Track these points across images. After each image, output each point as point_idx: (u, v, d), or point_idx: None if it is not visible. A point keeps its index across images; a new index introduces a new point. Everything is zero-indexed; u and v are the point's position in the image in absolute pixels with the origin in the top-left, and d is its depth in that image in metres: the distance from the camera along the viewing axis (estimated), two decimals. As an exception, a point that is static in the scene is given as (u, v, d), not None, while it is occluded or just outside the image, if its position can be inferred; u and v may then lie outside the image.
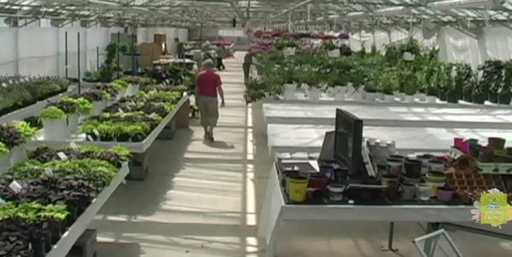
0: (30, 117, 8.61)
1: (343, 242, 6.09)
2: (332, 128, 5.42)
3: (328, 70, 13.01)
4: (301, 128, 8.17)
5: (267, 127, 8.28)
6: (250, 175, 8.72)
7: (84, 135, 7.20)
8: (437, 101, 10.60)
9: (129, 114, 8.27)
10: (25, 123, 6.47)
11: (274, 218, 4.63)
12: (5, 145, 5.67)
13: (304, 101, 10.54)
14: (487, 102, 10.25)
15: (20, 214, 4.00)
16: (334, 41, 17.28)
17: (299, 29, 29.54)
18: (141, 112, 8.49)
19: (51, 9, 15.87)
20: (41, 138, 7.03)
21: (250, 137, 11.57)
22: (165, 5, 21.95)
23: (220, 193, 7.70)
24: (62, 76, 12.36)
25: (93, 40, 18.94)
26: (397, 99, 10.63)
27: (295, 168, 5.04)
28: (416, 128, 8.33)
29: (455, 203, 4.60)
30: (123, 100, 9.87)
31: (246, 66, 21.11)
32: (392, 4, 14.20)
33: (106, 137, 7.14)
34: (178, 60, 19.54)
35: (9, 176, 4.92)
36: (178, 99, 10.67)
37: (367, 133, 5.27)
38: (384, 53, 16.00)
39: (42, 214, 4.02)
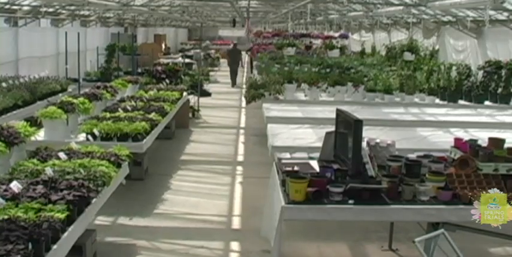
0: (30, 117, 8.61)
1: (343, 242, 6.09)
2: (332, 128, 5.41)
3: (328, 70, 13.02)
4: (301, 128, 8.16)
5: (266, 127, 8.27)
6: (249, 178, 8.70)
7: (84, 135, 7.20)
8: (437, 101, 10.61)
9: (129, 114, 8.27)
10: (25, 123, 6.48)
11: (276, 218, 4.63)
12: (5, 145, 5.68)
13: (304, 101, 10.55)
14: (487, 102, 10.26)
15: (20, 214, 4.01)
16: (334, 41, 17.27)
17: (299, 29, 29.55)
18: (141, 112, 8.49)
19: (51, 9, 15.88)
20: (41, 138, 7.03)
21: (249, 138, 11.55)
22: (165, 5, 21.95)
23: (217, 196, 7.65)
24: (62, 76, 12.35)
25: (93, 40, 18.95)
26: (397, 99, 10.63)
27: (295, 168, 5.03)
28: (417, 128, 8.33)
29: (455, 203, 4.59)
30: (123, 100, 9.87)
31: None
32: (392, 4, 14.21)
33: (106, 137, 7.14)
34: (178, 60, 19.54)
35: (9, 176, 4.92)
36: (178, 99, 10.67)
37: (367, 133, 5.27)
38: (383, 53, 16.01)
39: (42, 214, 4.03)
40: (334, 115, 5.37)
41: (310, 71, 12.79)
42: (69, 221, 4.18)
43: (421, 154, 5.55)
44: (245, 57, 25.59)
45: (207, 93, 15.39)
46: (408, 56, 13.22)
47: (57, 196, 4.36)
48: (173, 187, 7.95)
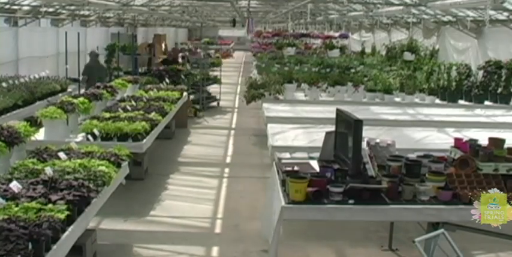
0: (30, 117, 8.61)
1: (343, 242, 6.09)
2: (332, 128, 5.42)
3: (328, 70, 13.02)
4: (301, 128, 8.17)
5: (267, 127, 8.28)
6: (248, 179, 8.71)
7: (84, 135, 7.20)
8: (437, 101, 10.61)
9: (129, 114, 8.27)
10: (25, 123, 6.48)
11: (275, 218, 4.62)
12: (5, 145, 5.68)
13: (304, 101, 10.55)
14: (487, 102, 10.26)
15: (20, 214, 4.01)
16: (334, 41, 17.27)
17: (299, 29, 29.55)
18: (141, 112, 8.49)
19: (51, 9, 15.89)
20: (41, 138, 7.04)
21: (250, 138, 11.55)
22: (165, 4, 21.96)
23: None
24: (62, 76, 12.36)
25: (93, 40, 18.95)
26: (397, 99, 10.63)
27: (295, 168, 5.03)
28: (417, 128, 8.33)
29: (455, 203, 4.59)
30: (123, 100, 9.87)
31: None
32: (392, 4, 14.21)
33: (106, 137, 7.13)
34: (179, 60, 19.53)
35: (9, 176, 4.92)
36: (178, 99, 10.67)
37: (367, 133, 5.27)
38: (383, 53, 16.01)
39: (42, 214, 4.02)
40: (334, 115, 5.37)
41: (310, 71, 12.79)
42: (69, 221, 4.18)
43: (421, 153, 5.55)
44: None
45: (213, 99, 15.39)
46: (408, 56, 13.22)
47: (57, 196, 4.36)
48: (172, 188, 7.95)
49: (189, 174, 8.70)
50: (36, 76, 11.53)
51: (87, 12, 18.79)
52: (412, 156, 5.44)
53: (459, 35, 13.73)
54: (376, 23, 18.73)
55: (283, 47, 16.68)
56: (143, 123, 7.57)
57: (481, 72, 10.71)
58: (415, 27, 16.15)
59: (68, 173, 4.99)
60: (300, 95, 10.95)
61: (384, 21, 18.63)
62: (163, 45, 27.75)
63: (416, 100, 10.63)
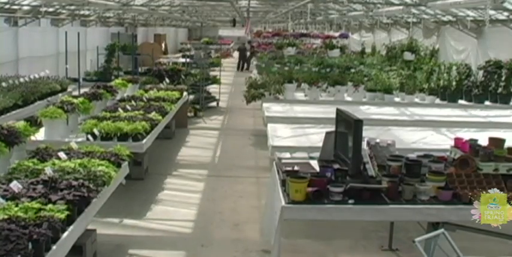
0: (30, 117, 8.62)
1: (343, 242, 6.09)
2: (332, 128, 5.42)
3: (328, 70, 13.02)
4: (301, 127, 8.17)
5: (267, 127, 8.27)
6: (248, 179, 8.72)
7: (84, 135, 7.20)
8: (437, 101, 10.61)
9: (129, 114, 8.27)
10: (25, 123, 6.48)
11: (276, 218, 4.62)
12: (5, 145, 5.68)
13: (304, 101, 10.54)
14: (487, 102, 10.26)
15: (20, 214, 4.01)
16: (334, 41, 17.27)
17: (299, 29, 29.56)
18: (141, 112, 8.49)
19: (51, 9, 15.90)
20: (41, 138, 7.03)
21: (249, 138, 11.55)
22: (165, 4, 21.96)
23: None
24: (62, 76, 12.36)
25: (93, 40, 18.96)
26: (397, 99, 10.63)
27: (295, 168, 5.03)
28: (417, 128, 8.33)
29: (455, 203, 4.59)
30: (123, 100, 9.87)
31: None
32: (393, 4, 14.21)
33: (106, 137, 7.13)
34: (180, 60, 19.54)
35: (9, 176, 4.92)
36: (178, 99, 10.67)
37: (367, 132, 5.27)
38: (384, 53, 16.01)
39: (42, 213, 4.02)
40: (334, 115, 5.37)
41: (310, 71, 12.79)
42: (69, 221, 4.18)
43: (421, 153, 5.55)
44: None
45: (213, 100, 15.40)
46: (408, 55, 13.23)
47: (57, 196, 4.36)
48: (172, 187, 7.95)
49: (189, 174, 8.69)
50: (36, 76, 11.53)
51: (87, 12, 18.79)
52: (412, 156, 5.43)
53: (459, 35, 13.74)
54: (376, 23, 18.74)
55: (283, 47, 16.68)
56: (143, 123, 7.57)
57: (481, 72, 10.71)
58: (415, 27, 16.16)
59: (68, 173, 4.99)
60: (300, 95, 10.95)
61: (384, 21, 18.64)
62: (163, 45, 27.78)
63: (416, 100, 10.63)
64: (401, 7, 13.31)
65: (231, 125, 12.86)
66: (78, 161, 5.42)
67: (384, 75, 11.61)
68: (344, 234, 6.16)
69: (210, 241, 5.96)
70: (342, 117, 5.19)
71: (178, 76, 13.58)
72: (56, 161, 5.41)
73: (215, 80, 15.65)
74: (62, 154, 5.63)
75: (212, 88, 15.83)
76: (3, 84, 9.97)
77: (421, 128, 8.25)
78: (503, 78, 10.19)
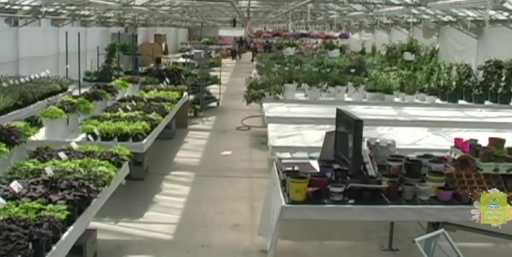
0: (31, 117, 8.62)
1: (343, 242, 6.09)
2: (332, 128, 5.42)
3: (328, 70, 13.03)
4: (302, 128, 8.17)
5: (267, 127, 8.27)
6: (248, 179, 8.72)
7: (84, 135, 7.20)
8: (438, 101, 10.61)
9: (130, 114, 8.27)
10: (25, 123, 6.48)
11: (274, 218, 4.63)
12: (5, 145, 5.68)
13: (304, 101, 10.55)
14: (487, 102, 10.26)
15: (21, 214, 4.01)
16: (334, 41, 17.27)
17: (299, 29, 29.55)
18: (141, 112, 8.49)
19: (51, 9, 15.91)
20: (41, 138, 7.04)
21: (249, 138, 11.56)
22: (165, 5, 21.97)
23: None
24: (62, 76, 12.37)
25: (94, 40, 18.97)
26: (397, 99, 10.63)
27: (296, 168, 5.04)
28: (416, 127, 8.33)
29: (456, 203, 4.60)
30: (123, 100, 9.87)
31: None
32: (393, 4, 14.22)
33: (106, 137, 7.13)
34: (180, 60, 19.56)
35: (10, 176, 4.92)
36: (178, 99, 10.67)
37: (367, 132, 5.28)
38: (384, 53, 16.01)
39: (42, 213, 4.03)
40: (334, 115, 5.38)
41: (310, 71, 12.79)
42: (69, 221, 4.18)
43: (421, 153, 5.56)
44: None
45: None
46: (408, 56, 13.23)
47: (58, 196, 4.36)
48: (172, 187, 7.95)
49: (189, 174, 8.68)
50: (37, 76, 11.54)
51: (87, 12, 18.80)
52: (412, 156, 5.44)
53: (459, 35, 13.74)
54: (377, 23, 18.75)
55: (284, 47, 16.68)
56: (143, 123, 7.57)
57: (481, 72, 10.71)
58: (415, 27, 16.16)
59: (68, 173, 5.00)
60: (300, 95, 10.95)
61: (384, 21, 18.65)
62: (163, 45, 27.77)
63: (416, 100, 10.63)
64: (401, 7, 13.32)
65: (231, 125, 12.84)
66: (79, 161, 5.43)
67: (384, 75, 11.61)
68: (344, 234, 6.16)
69: (210, 241, 5.96)
70: (342, 118, 5.19)
71: (178, 76, 13.58)
72: (56, 161, 5.41)
73: (215, 80, 15.66)
74: (62, 154, 5.64)
75: (212, 88, 15.83)
76: (4, 84, 9.98)
77: (421, 128, 8.25)
78: (503, 79, 10.19)
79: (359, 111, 9.05)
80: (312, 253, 5.80)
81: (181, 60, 19.92)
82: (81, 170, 5.10)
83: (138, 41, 21.96)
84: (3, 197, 4.30)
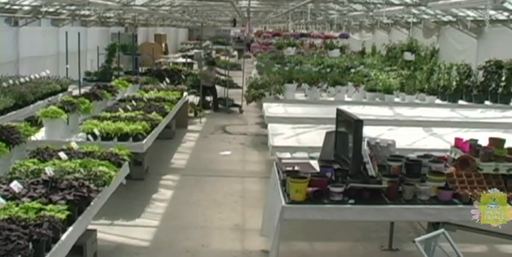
0: (31, 117, 8.62)
1: (343, 242, 6.09)
2: (332, 128, 5.42)
3: (328, 70, 13.01)
4: (301, 127, 8.17)
5: (267, 127, 8.27)
6: (249, 179, 8.72)
7: (84, 135, 7.20)
8: (438, 101, 10.60)
9: (130, 114, 8.28)
10: (26, 123, 6.48)
11: (276, 218, 4.63)
12: (5, 145, 5.69)
13: (304, 101, 10.54)
14: (487, 102, 10.25)
15: (21, 214, 4.01)
16: (334, 41, 17.24)
17: (299, 29, 29.53)
18: (141, 112, 8.50)
19: (51, 9, 15.90)
20: (41, 138, 7.04)
21: (248, 138, 11.56)
22: (165, 4, 21.96)
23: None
24: (62, 76, 12.38)
25: (94, 40, 18.97)
26: (397, 99, 10.62)
27: (296, 168, 5.04)
28: (417, 127, 8.32)
29: (456, 203, 4.60)
30: (123, 100, 9.87)
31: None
32: (393, 4, 14.21)
33: (106, 137, 7.14)
34: (180, 60, 19.57)
35: (10, 176, 4.92)
36: (178, 99, 10.67)
37: (367, 132, 5.27)
38: (384, 53, 16.00)
39: (42, 213, 4.03)
40: (334, 115, 5.37)
41: (310, 71, 12.78)
42: (69, 221, 4.18)
43: (421, 153, 5.56)
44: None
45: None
46: (408, 56, 13.21)
47: (58, 196, 4.36)
48: (172, 188, 7.95)
49: (189, 174, 8.69)
50: (37, 76, 11.54)
51: (87, 12, 18.80)
52: (413, 156, 5.44)
53: (459, 35, 13.73)
54: (377, 23, 18.73)
55: (284, 47, 16.65)
56: (143, 123, 7.58)
57: (481, 72, 10.70)
58: (415, 27, 16.15)
59: (69, 173, 5.00)
60: (300, 95, 10.94)
61: (384, 21, 18.63)
62: (163, 45, 27.77)
63: (416, 100, 10.62)
64: (401, 7, 13.30)
65: (230, 126, 12.84)
66: (79, 161, 5.43)
67: (384, 75, 11.61)
68: (344, 234, 6.16)
69: (210, 241, 5.96)
70: (342, 117, 5.19)
71: (178, 76, 13.58)
72: (57, 161, 5.41)
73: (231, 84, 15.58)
74: (62, 154, 5.64)
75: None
76: (4, 84, 9.98)
77: (421, 128, 8.24)
78: (503, 79, 10.18)
79: (357, 111, 9.07)
80: (311, 253, 5.81)
81: (181, 60, 19.94)
82: (81, 170, 5.10)
83: (138, 41, 21.97)
84: (3, 197, 4.30)
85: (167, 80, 12.89)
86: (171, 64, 17.32)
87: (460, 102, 10.47)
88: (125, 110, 8.66)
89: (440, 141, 7.25)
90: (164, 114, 8.92)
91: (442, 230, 4.24)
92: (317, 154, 5.65)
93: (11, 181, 4.64)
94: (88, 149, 6.02)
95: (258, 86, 10.85)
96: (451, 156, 5.44)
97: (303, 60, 14.65)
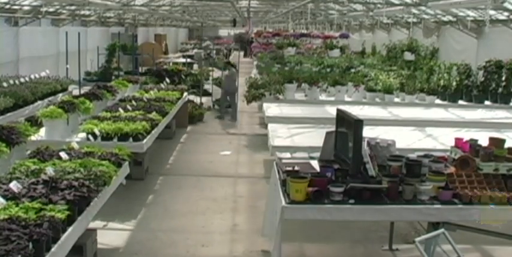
0: (31, 117, 8.62)
1: (343, 242, 6.09)
2: (332, 128, 5.42)
3: (328, 70, 13.02)
4: (302, 127, 8.17)
5: (267, 127, 8.27)
6: (249, 179, 8.72)
7: (84, 135, 7.21)
8: (438, 101, 10.60)
9: (130, 114, 8.28)
10: (26, 123, 6.48)
11: (277, 218, 4.63)
12: (5, 145, 5.68)
13: (304, 101, 10.55)
14: (487, 102, 10.25)
15: (21, 214, 4.01)
16: (334, 41, 17.24)
17: (299, 29, 29.53)
18: (141, 112, 8.50)
19: (51, 9, 15.89)
20: (41, 138, 7.04)
21: (248, 138, 11.56)
22: (165, 4, 21.95)
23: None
24: (62, 76, 12.38)
25: (94, 40, 18.96)
26: (397, 99, 10.63)
27: (296, 168, 5.04)
28: (417, 127, 8.32)
29: (456, 203, 4.60)
30: (123, 100, 9.88)
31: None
32: (393, 4, 14.20)
33: (106, 137, 7.14)
34: (180, 60, 19.57)
35: (10, 176, 4.92)
36: (178, 99, 10.68)
37: (367, 132, 5.27)
38: (384, 53, 16.00)
39: (42, 213, 4.03)
40: (334, 115, 5.37)
41: (310, 70, 12.79)
42: (69, 221, 4.18)
43: (422, 153, 5.56)
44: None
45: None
46: (408, 56, 13.22)
47: (58, 196, 4.36)
48: (172, 188, 7.95)
49: (189, 174, 8.69)
50: (37, 76, 11.54)
51: (87, 12, 18.79)
52: (413, 156, 5.44)
53: (459, 35, 13.72)
54: (377, 22, 18.73)
55: (284, 47, 16.66)
56: (143, 123, 7.58)
57: (481, 72, 10.70)
58: (415, 27, 16.15)
59: (69, 173, 5.00)
60: (300, 95, 10.95)
61: (384, 21, 18.63)
62: (163, 45, 27.77)
63: (416, 100, 10.62)
64: (401, 7, 13.29)
65: (230, 126, 12.85)
66: (79, 161, 5.43)
67: (384, 75, 11.61)
68: (344, 234, 6.16)
69: (209, 241, 5.96)
70: (342, 117, 5.19)
71: (178, 76, 13.58)
72: (57, 161, 5.41)
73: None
74: (62, 154, 5.64)
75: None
76: (4, 84, 9.98)
77: (421, 128, 8.24)
78: (503, 78, 10.19)
79: (357, 111, 9.07)
80: (312, 253, 5.81)
81: (181, 60, 19.94)
82: (81, 170, 5.10)
83: (138, 41, 21.97)
84: (4, 197, 4.30)
85: (167, 80, 12.88)
86: (171, 64, 17.31)
87: (460, 102, 10.48)
88: (125, 110, 8.66)
89: (440, 141, 7.25)
90: (164, 114, 8.92)
91: (442, 230, 4.24)
92: (317, 154, 5.65)
93: (11, 181, 4.64)
94: (88, 149, 6.02)
95: (258, 86, 10.86)
96: (451, 156, 5.44)
97: (303, 60, 14.66)
